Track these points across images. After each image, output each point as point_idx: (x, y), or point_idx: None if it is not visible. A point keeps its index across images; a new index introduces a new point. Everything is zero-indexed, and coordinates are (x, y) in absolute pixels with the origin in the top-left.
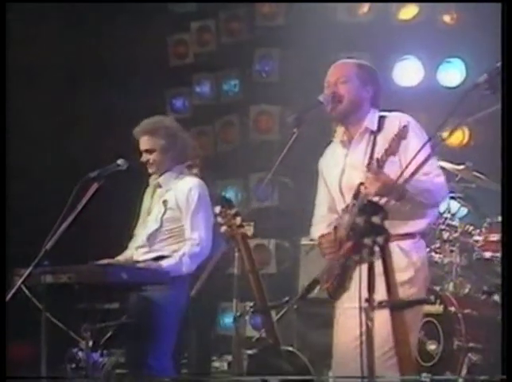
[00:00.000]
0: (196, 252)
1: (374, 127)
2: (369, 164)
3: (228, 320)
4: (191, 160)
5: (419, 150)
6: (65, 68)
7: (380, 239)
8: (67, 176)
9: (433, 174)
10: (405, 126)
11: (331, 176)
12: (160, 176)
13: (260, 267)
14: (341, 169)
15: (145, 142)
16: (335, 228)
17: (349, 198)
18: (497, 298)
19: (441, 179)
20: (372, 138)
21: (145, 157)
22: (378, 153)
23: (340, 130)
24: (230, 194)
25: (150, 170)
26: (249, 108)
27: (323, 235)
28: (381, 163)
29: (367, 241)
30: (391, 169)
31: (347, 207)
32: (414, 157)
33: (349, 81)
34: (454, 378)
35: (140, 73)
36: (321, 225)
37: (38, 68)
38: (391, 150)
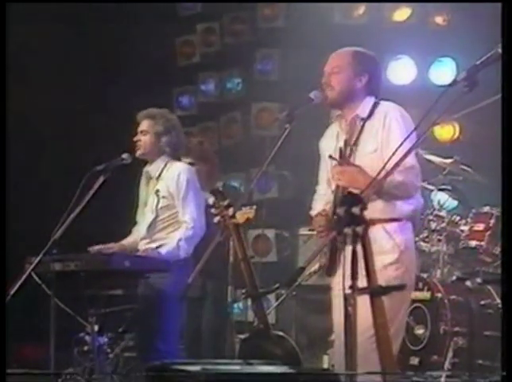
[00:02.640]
0: (190, 235)
1: (365, 115)
2: (340, 155)
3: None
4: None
5: (400, 144)
6: (78, 66)
7: (359, 229)
8: (76, 169)
9: (407, 166)
10: (373, 125)
11: (326, 156)
12: (149, 165)
13: (261, 255)
14: (333, 152)
15: (143, 124)
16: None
17: None
18: (469, 283)
19: (415, 171)
20: (361, 124)
21: (138, 137)
22: (364, 138)
23: (337, 116)
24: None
25: (138, 152)
26: (251, 105)
27: (317, 215)
28: (343, 154)
29: (348, 231)
30: (373, 161)
31: (336, 188)
32: (396, 151)
33: (341, 71)
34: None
35: (149, 72)
36: (320, 202)
37: (50, 65)
38: (350, 141)
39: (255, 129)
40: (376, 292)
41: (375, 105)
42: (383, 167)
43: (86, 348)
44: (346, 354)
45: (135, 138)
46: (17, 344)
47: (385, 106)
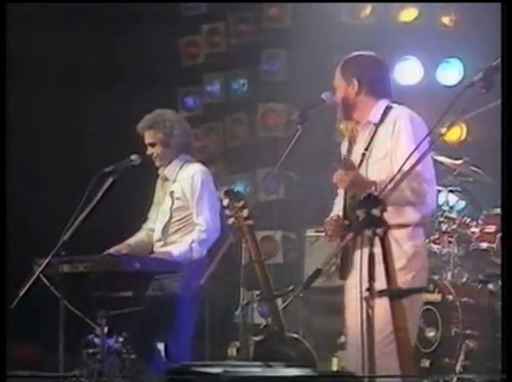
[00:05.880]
0: (204, 238)
1: (377, 120)
2: (345, 161)
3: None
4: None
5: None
6: (82, 68)
7: (380, 231)
8: (84, 171)
9: (413, 174)
10: (383, 131)
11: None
12: (165, 168)
13: (267, 257)
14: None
15: (147, 137)
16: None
17: None
18: (491, 286)
19: (422, 178)
20: (374, 129)
21: (149, 150)
22: (376, 144)
23: (347, 125)
24: (239, 188)
25: (156, 163)
26: (257, 106)
27: (328, 220)
28: (347, 162)
29: (368, 232)
30: (382, 167)
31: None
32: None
33: (337, 88)
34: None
35: (154, 73)
36: (338, 206)
37: (54, 68)
38: (363, 146)
39: (261, 130)
40: (395, 294)
41: (388, 109)
42: (393, 178)
43: (95, 350)
44: (362, 357)
45: (148, 152)
46: (25, 347)
47: (396, 110)
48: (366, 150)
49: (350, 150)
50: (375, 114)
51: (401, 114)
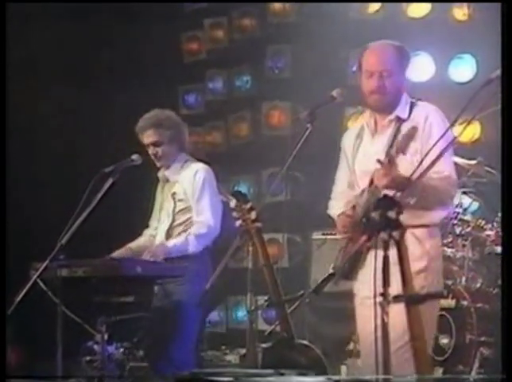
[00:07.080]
0: (203, 233)
1: (405, 116)
2: (386, 156)
3: (240, 313)
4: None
5: (436, 143)
6: (81, 65)
7: (396, 234)
8: (83, 171)
9: (444, 173)
10: (413, 127)
11: (352, 156)
12: (166, 168)
13: (272, 261)
14: (362, 153)
15: (151, 135)
16: (354, 207)
17: (365, 182)
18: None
19: (451, 179)
20: (398, 125)
21: (153, 150)
22: (398, 142)
23: (369, 116)
24: (242, 189)
25: (159, 163)
26: (261, 104)
27: (340, 215)
28: (391, 159)
29: (383, 235)
30: (410, 164)
31: (363, 191)
32: (427, 153)
33: (393, 74)
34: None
35: (154, 69)
36: (339, 202)
37: (53, 65)
38: (401, 149)
39: (266, 128)
40: (413, 300)
41: (412, 105)
42: (417, 167)
43: (94, 357)
44: (376, 365)
45: (151, 152)
46: (22, 353)
47: (424, 107)
48: (392, 147)
49: (371, 145)
50: (403, 110)
51: (431, 111)
